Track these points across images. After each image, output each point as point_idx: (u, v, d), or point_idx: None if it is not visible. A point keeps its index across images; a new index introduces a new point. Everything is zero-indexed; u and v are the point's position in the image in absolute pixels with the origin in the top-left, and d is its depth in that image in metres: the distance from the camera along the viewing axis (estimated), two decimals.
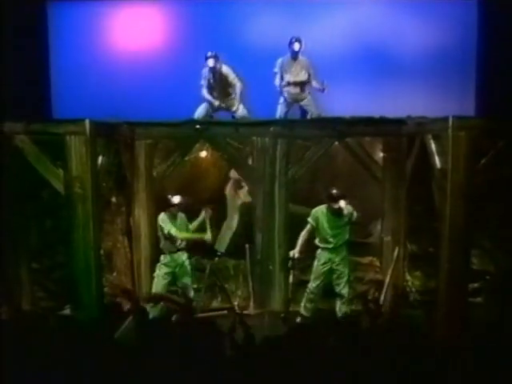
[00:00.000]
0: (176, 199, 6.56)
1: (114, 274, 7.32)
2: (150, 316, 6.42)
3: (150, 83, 8.84)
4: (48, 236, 6.98)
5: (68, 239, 6.20)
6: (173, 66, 8.79)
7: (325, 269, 6.62)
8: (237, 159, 7.41)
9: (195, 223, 6.77)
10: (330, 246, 6.60)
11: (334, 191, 6.55)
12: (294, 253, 6.69)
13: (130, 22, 9.24)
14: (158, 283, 6.61)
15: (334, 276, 6.62)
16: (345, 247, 6.65)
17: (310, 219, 6.74)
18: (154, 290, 6.61)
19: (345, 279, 6.62)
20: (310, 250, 6.80)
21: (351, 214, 6.60)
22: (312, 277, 6.72)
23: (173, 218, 6.55)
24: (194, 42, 8.61)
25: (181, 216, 6.68)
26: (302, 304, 6.75)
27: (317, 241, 6.70)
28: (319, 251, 6.67)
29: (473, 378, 5.13)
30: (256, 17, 8.93)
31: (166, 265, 6.62)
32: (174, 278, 6.70)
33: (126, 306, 7.11)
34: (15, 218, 6.66)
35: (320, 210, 6.71)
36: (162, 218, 6.56)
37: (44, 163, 6.20)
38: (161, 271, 6.63)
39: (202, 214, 6.74)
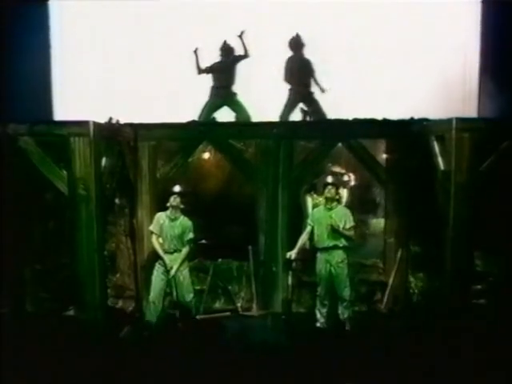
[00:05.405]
0: (176, 188, 6.57)
1: (118, 275, 7.34)
2: (149, 318, 6.48)
3: (153, 84, 8.86)
4: (52, 237, 7.00)
5: (72, 240, 6.22)
6: (174, 66, 8.80)
7: (323, 271, 6.63)
8: (240, 161, 7.41)
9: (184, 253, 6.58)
10: (324, 245, 6.61)
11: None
12: (291, 254, 6.72)
13: (132, 21, 9.25)
14: (156, 284, 6.55)
15: (333, 279, 6.62)
16: (343, 250, 6.62)
17: (309, 220, 6.80)
18: (152, 291, 6.57)
19: (344, 281, 6.60)
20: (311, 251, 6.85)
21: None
22: (317, 280, 6.73)
23: (169, 219, 6.54)
24: (196, 41, 8.60)
25: (182, 221, 6.57)
26: (316, 309, 6.76)
27: (315, 243, 6.74)
28: (318, 254, 6.69)
29: (473, 378, 5.15)
30: (259, 15, 8.95)
31: (162, 264, 6.54)
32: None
33: (130, 307, 7.13)
34: (19, 219, 6.67)
35: (317, 210, 6.86)
36: (158, 216, 6.59)
37: (48, 164, 6.22)
38: (158, 271, 6.56)
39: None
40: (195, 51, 7.96)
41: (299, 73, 7.94)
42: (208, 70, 8.02)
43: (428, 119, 6.74)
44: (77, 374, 5.27)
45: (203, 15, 9.02)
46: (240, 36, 7.81)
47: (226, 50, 8.01)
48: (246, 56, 7.92)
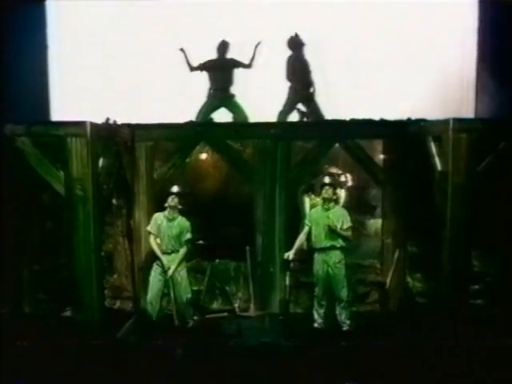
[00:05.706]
0: (174, 188, 6.60)
1: (115, 275, 7.34)
2: (146, 319, 6.48)
3: (150, 84, 8.85)
4: (49, 238, 6.99)
5: (69, 241, 6.21)
6: (172, 67, 8.79)
7: (321, 272, 6.63)
8: (237, 161, 7.41)
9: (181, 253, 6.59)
10: (322, 245, 6.61)
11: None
12: (289, 254, 6.72)
13: (130, 21, 9.23)
14: (153, 284, 6.56)
15: (331, 279, 6.61)
16: (340, 250, 6.62)
17: (306, 221, 6.81)
18: (149, 292, 6.58)
19: (341, 282, 6.59)
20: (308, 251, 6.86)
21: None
22: (315, 280, 6.73)
23: (167, 220, 6.55)
24: (196, 41, 8.61)
25: (179, 221, 6.59)
26: (314, 309, 6.75)
27: (313, 243, 6.73)
28: (315, 254, 6.69)
29: (473, 378, 5.17)
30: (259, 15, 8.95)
31: (159, 265, 6.54)
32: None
33: (127, 308, 7.13)
34: (17, 219, 6.66)
35: (315, 210, 6.85)
36: (155, 216, 6.60)
37: (45, 165, 6.21)
38: (155, 272, 6.57)
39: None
40: (182, 50, 7.96)
41: (299, 72, 7.96)
42: (201, 68, 8.02)
43: (425, 120, 6.74)
44: (75, 374, 5.27)
45: (203, 15, 9.01)
46: (255, 46, 7.86)
47: (223, 47, 8.01)
48: (248, 66, 7.95)
